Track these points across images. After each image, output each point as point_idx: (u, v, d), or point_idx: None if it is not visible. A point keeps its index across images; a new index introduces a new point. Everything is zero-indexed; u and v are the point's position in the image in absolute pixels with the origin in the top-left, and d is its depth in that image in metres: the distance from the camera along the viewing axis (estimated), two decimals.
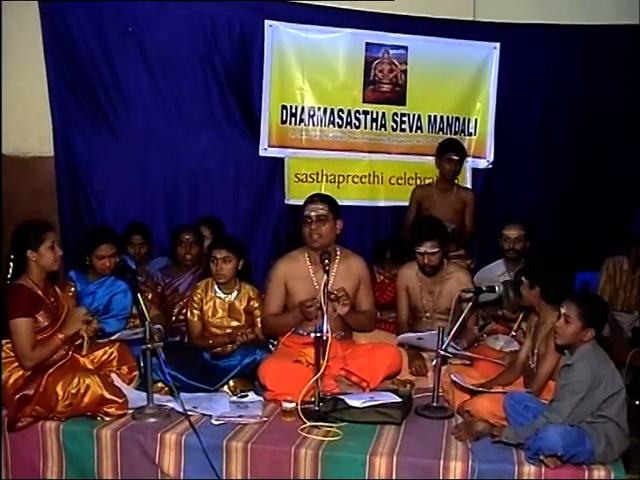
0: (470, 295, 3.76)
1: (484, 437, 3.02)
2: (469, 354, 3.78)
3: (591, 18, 5.38)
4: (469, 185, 5.47)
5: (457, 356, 3.68)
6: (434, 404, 3.40)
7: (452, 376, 3.38)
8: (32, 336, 3.21)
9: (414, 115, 5.49)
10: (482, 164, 5.63)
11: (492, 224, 4.92)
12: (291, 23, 5.16)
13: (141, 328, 3.45)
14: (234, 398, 3.52)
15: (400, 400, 3.33)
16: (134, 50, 4.95)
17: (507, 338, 4.16)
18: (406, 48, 5.40)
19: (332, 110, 5.35)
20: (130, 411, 3.27)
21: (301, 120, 5.32)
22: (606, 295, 4.77)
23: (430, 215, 4.81)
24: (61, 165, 4.98)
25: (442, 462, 2.87)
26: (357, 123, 5.41)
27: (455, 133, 5.53)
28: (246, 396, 3.54)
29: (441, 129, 5.53)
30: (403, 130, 5.49)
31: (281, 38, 5.16)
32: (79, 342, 3.43)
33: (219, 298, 4.02)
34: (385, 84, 5.42)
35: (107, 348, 3.58)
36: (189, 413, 3.18)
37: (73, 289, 3.93)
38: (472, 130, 5.62)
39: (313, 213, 3.81)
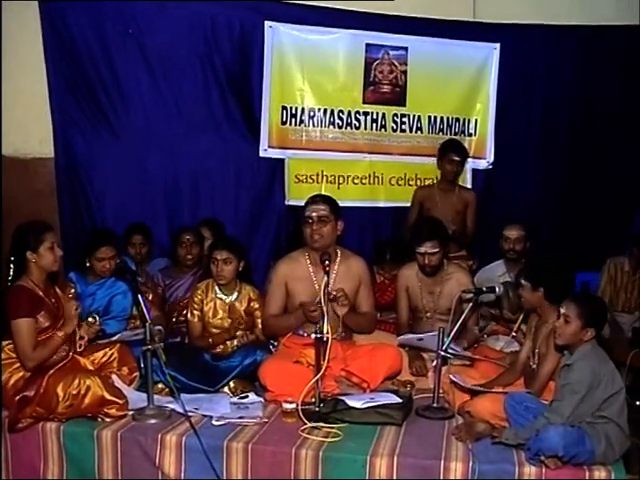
0: (470, 296, 3.76)
1: (485, 438, 3.02)
2: (469, 355, 3.78)
3: (591, 19, 5.38)
4: (469, 186, 5.47)
5: (457, 357, 3.68)
6: (434, 405, 3.40)
7: (451, 376, 3.38)
8: (33, 336, 3.21)
9: (414, 116, 5.49)
10: (482, 165, 5.63)
11: (492, 225, 4.91)
12: (291, 24, 5.17)
13: (141, 329, 3.45)
14: (234, 399, 3.52)
15: (400, 401, 3.33)
16: (134, 50, 4.95)
17: (507, 339, 4.16)
18: (406, 49, 5.40)
19: (332, 111, 5.35)
20: (130, 412, 3.27)
21: (301, 121, 5.32)
22: (607, 296, 4.78)
23: (430, 216, 4.82)
24: (61, 166, 4.98)
25: (443, 463, 2.87)
26: (357, 124, 5.41)
27: (455, 134, 5.54)
28: (246, 397, 3.54)
29: (441, 130, 5.53)
30: (403, 131, 5.50)
31: (281, 39, 5.17)
32: (79, 344, 3.43)
33: (219, 299, 4.03)
34: (385, 85, 5.43)
35: (107, 349, 3.58)
36: (189, 414, 3.17)
37: (73, 290, 3.92)
38: (472, 131, 5.62)
39: (314, 214, 3.81)
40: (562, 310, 2.98)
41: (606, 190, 5.51)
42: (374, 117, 5.43)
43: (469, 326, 4.01)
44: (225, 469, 3.02)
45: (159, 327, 3.73)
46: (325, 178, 5.41)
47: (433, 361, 3.56)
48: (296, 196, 5.25)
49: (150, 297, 4.28)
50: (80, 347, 3.44)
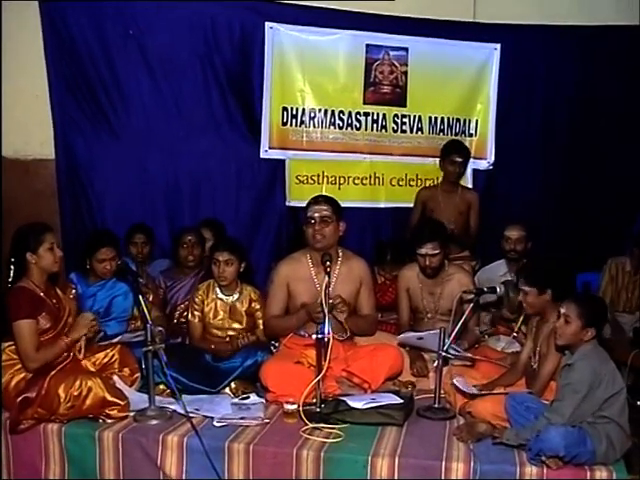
0: (471, 296, 3.76)
1: (486, 438, 3.02)
2: (470, 355, 3.78)
3: (591, 19, 5.38)
4: (470, 186, 5.46)
5: (458, 357, 3.68)
6: (436, 405, 3.40)
7: (454, 381, 3.37)
8: (35, 338, 3.22)
9: (415, 116, 5.49)
10: (483, 165, 5.62)
11: (493, 225, 4.91)
12: (291, 25, 5.16)
13: (142, 330, 3.45)
14: (236, 400, 3.53)
15: (402, 401, 3.33)
16: (134, 51, 4.94)
17: (508, 339, 4.16)
18: (406, 49, 5.40)
19: (333, 112, 5.35)
20: (132, 413, 3.27)
21: (302, 122, 5.32)
22: (608, 296, 4.77)
23: (431, 217, 4.82)
24: (62, 167, 4.97)
25: (444, 463, 2.87)
26: (358, 124, 5.41)
27: (456, 134, 5.54)
28: (248, 398, 3.54)
29: (442, 130, 5.53)
30: (404, 131, 5.49)
31: (281, 40, 5.16)
32: (78, 345, 3.43)
33: (220, 300, 4.03)
34: (385, 85, 5.42)
35: (109, 350, 3.58)
36: (191, 415, 3.17)
37: (74, 291, 3.92)
38: (473, 131, 5.61)
39: (317, 214, 3.81)
40: (562, 310, 2.98)
41: (606, 190, 5.51)
42: (375, 118, 5.43)
43: (470, 327, 4.01)
44: (226, 470, 3.02)
45: (160, 328, 3.73)
46: (326, 179, 5.41)
47: (434, 362, 3.56)
48: (297, 197, 5.25)
49: (151, 298, 4.28)
50: (80, 352, 3.44)
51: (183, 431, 3.12)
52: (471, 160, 5.38)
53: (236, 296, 4.04)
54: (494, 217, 5.12)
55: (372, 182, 5.49)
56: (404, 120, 5.49)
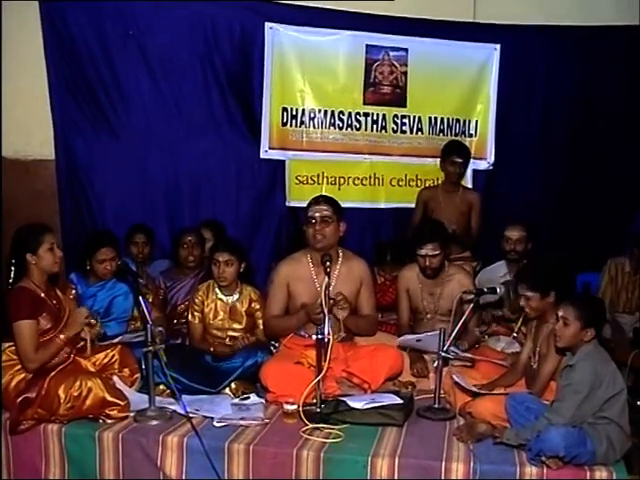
0: (471, 297, 3.76)
1: (486, 438, 3.02)
2: (470, 356, 3.78)
3: (591, 19, 5.38)
4: (470, 186, 5.46)
5: (458, 358, 3.68)
6: (436, 405, 3.40)
7: (453, 376, 3.38)
8: (35, 338, 3.22)
9: (415, 117, 5.49)
10: (483, 165, 5.63)
11: (493, 225, 4.91)
12: (291, 25, 5.16)
13: (142, 331, 3.45)
14: (236, 400, 3.53)
15: (402, 402, 3.33)
16: (134, 51, 4.94)
17: (508, 339, 4.16)
18: (406, 50, 5.40)
19: (333, 112, 5.35)
20: (132, 414, 3.27)
21: (302, 122, 5.32)
22: (608, 296, 4.77)
23: (431, 217, 4.82)
24: (62, 167, 4.97)
25: (444, 463, 2.87)
26: (357, 125, 5.41)
27: (456, 135, 5.54)
28: (248, 398, 3.54)
29: (442, 131, 5.53)
30: (404, 132, 5.50)
31: (281, 40, 5.17)
32: (81, 345, 3.43)
33: (220, 300, 4.03)
34: (385, 86, 5.43)
35: (109, 351, 3.58)
36: (191, 415, 3.18)
37: (74, 292, 3.93)
38: (473, 131, 5.62)
39: (317, 214, 3.82)
40: (560, 313, 2.98)
41: (606, 190, 5.51)
42: (374, 118, 5.43)
43: (470, 327, 4.01)
44: (226, 470, 3.02)
45: (160, 328, 3.73)
46: (326, 179, 5.41)
47: (434, 362, 3.56)
48: (297, 197, 5.25)
49: (151, 298, 4.28)
50: (86, 350, 3.44)
51: (183, 431, 3.12)
52: (471, 160, 5.38)
53: (236, 296, 4.04)
54: (494, 217, 5.12)
55: (372, 182, 5.50)
56: (404, 120, 5.49)
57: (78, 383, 3.16)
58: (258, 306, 4.04)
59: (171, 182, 5.18)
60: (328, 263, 3.59)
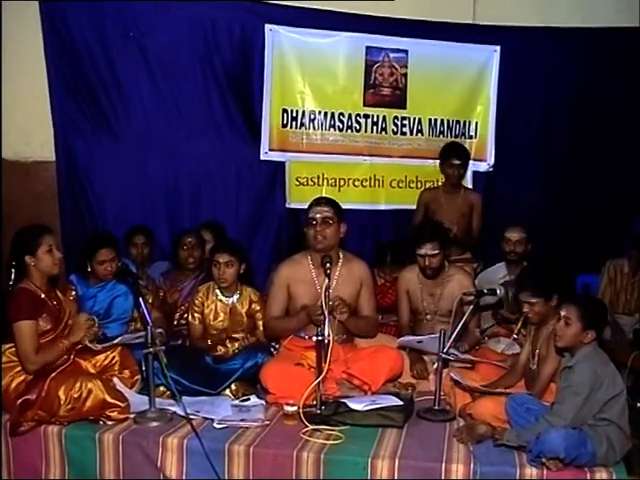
0: (471, 298, 3.76)
1: (486, 440, 3.02)
2: (470, 357, 3.78)
3: (591, 21, 5.39)
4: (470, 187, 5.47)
5: (458, 360, 3.68)
6: (436, 407, 3.40)
7: (452, 374, 3.38)
8: (35, 339, 3.21)
9: (414, 118, 5.50)
10: (483, 167, 5.64)
11: (493, 227, 4.92)
12: (291, 27, 5.17)
13: (143, 332, 3.45)
14: (236, 402, 3.52)
15: (402, 403, 3.33)
16: (134, 51, 4.95)
17: (508, 341, 4.16)
18: (406, 51, 5.41)
19: (333, 114, 5.36)
20: (132, 415, 3.26)
21: (302, 124, 5.33)
22: (607, 298, 4.77)
23: (431, 218, 4.82)
24: (62, 169, 4.97)
25: (444, 465, 2.87)
26: (358, 126, 5.42)
27: (456, 136, 5.55)
28: (248, 399, 3.54)
29: (442, 132, 5.54)
30: (404, 133, 5.50)
31: (281, 42, 5.17)
32: (79, 347, 3.43)
33: (220, 301, 4.03)
34: (385, 87, 5.43)
35: (109, 352, 3.57)
36: (191, 417, 3.17)
37: (74, 293, 3.93)
38: (473, 133, 5.63)
39: (318, 215, 3.82)
40: (562, 313, 2.98)
41: (606, 192, 5.52)
42: (374, 120, 5.44)
43: (470, 328, 4.01)
44: (227, 472, 3.01)
45: (160, 330, 3.73)
46: (326, 181, 5.42)
47: (434, 364, 3.56)
48: (297, 199, 5.26)
49: (151, 300, 4.28)
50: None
51: (183, 433, 3.12)
52: (471, 162, 5.39)
53: (236, 298, 4.04)
54: (494, 219, 5.12)
55: (372, 184, 5.50)
56: (404, 122, 5.50)
57: (78, 385, 3.16)
58: (258, 307, 4.04)
59: (171, 183, 5.18)
60: (328, 265, 3.59)
